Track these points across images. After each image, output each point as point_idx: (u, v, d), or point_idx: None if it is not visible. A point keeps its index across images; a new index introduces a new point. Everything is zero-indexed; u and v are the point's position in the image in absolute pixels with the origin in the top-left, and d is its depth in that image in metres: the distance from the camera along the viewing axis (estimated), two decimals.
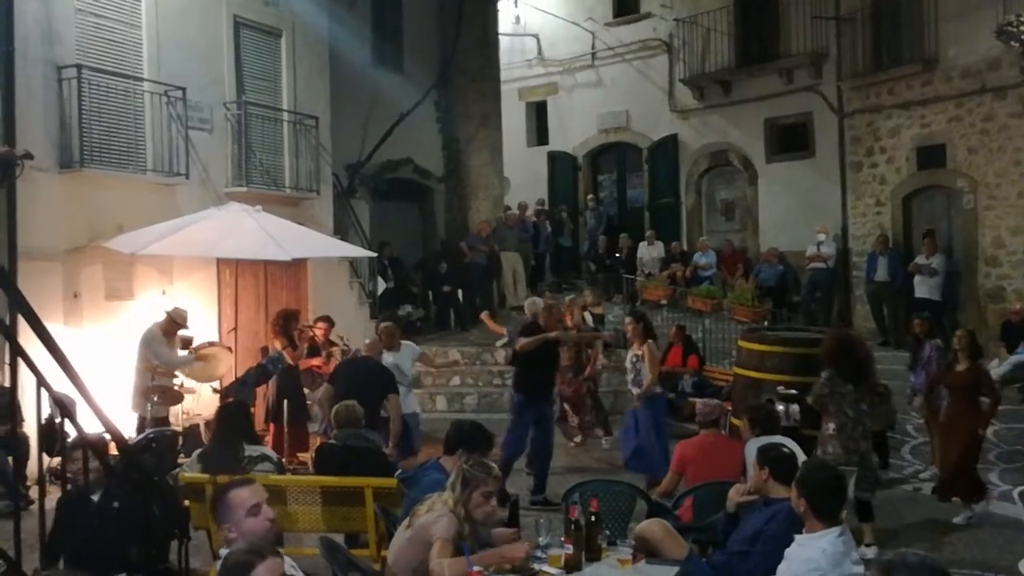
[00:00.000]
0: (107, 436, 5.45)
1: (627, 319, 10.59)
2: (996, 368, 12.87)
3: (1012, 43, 13.79)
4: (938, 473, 9.06)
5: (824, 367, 7.59)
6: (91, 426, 5.45)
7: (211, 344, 10.64)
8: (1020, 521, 7.97)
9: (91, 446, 5.30)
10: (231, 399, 9.09)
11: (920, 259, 14.87)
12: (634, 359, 9.73)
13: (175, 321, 9.91)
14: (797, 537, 4.50)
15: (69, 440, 5.74)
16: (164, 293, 11.03)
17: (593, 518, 4.82)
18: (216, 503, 3.85)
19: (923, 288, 14.68)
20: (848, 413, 7.33)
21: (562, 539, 4.79)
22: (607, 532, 5.02)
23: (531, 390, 9.21)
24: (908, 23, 15.76)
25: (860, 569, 4.36)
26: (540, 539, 4.85)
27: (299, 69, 13.57)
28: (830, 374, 7.47)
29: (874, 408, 7.50)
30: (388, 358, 9.32)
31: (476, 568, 4.35)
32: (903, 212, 16.08)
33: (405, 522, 4.86)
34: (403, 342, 9.81)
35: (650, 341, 9.70)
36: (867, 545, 7.15)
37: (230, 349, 10.99)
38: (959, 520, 8.28)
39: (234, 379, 10.19)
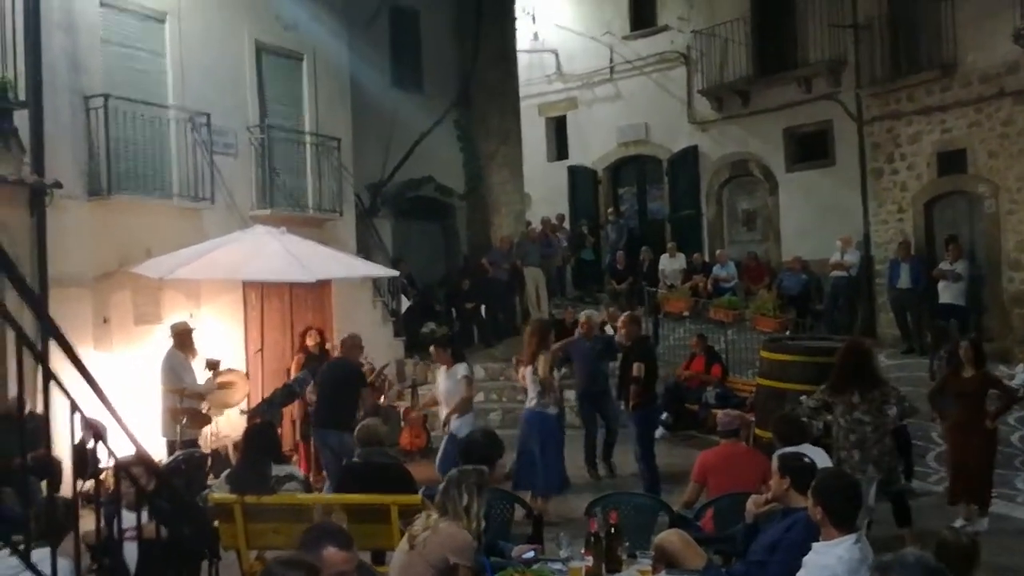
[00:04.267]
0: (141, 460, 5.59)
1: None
2: (1022, 373, 12.84)
3: None
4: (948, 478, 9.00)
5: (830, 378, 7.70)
6: (123, 450, 5.60)
7: (230, 371, 10.81)
8: None
9: (127, 469, 5.44)
10: (258, 419, 9.26)
11: (944, 265, 14.81)
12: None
13: (183, 336, 10.05)
14: (814, 545, 4.55)
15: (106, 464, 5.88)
16: (191, 316, 11.20)
17: (613, 530, 4.89)
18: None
19: (947, 294, 14.62)
20: (840, 423, 7.41)
21: (582, 552, 4.87)
22: (627, 544, 5.08)
23: None
24: (926, 29, 15.77)
25: None
26: (561, 552, 4.94)
27: (320, 91, 13.79)
28: (824, 386, 7.61)
29: (880, 414, 7.48)
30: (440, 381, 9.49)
31: None
32: (925, 218, 16.03)
33: (404, 541, 4.92)
34: (457, 364, 9.43)
35: (543, 353, 9.20)
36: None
37: (247, 376, 11.17)
38: (980, 528, 8.22)
39: (261, 399, 10.34)
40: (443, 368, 9.49)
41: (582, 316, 11.29)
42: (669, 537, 5.18)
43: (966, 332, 13.75)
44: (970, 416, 8.48)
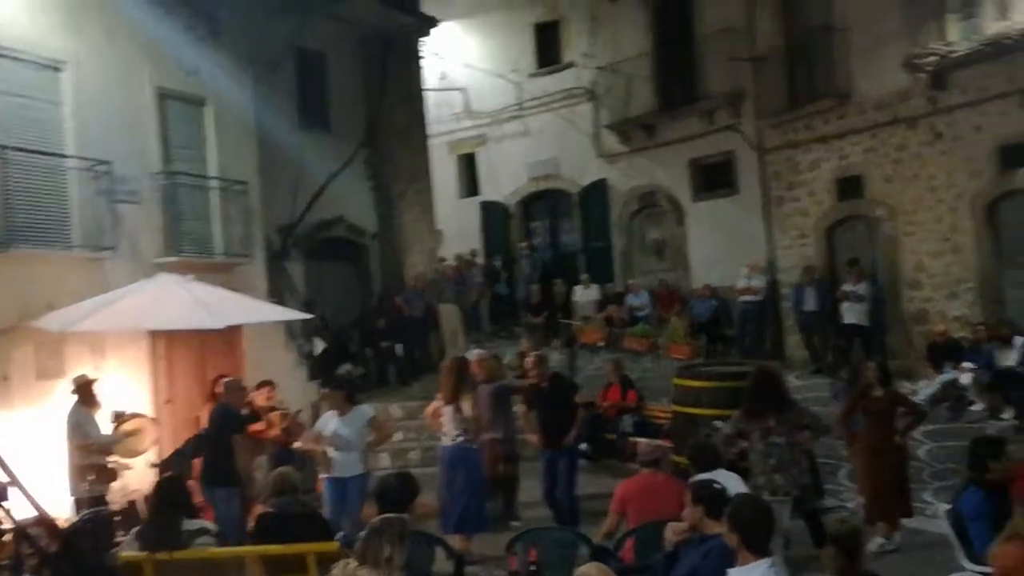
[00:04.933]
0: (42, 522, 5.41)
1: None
2: (926, 388, 13.30)
3: (919, 75, 14.42)
4: (862, 499, 9.14)
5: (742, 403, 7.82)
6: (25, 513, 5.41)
7: (134, 416, 10.54)
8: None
9: (26, 532, 5.26)
10: (168, 472, 9.02)
11: (846, 286, 15.27)
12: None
13: (85, 389, 9.75)
14: (730, 571, 4.63)
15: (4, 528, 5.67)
16: (96, 369, 10.88)
17: (533, 567, 4.88)
18: None
19: (851, 315, 15.08)
20: (758, 448, 7.51)
21: None
22: None
23: None
24: (821, 59, 16.36)
25: None
26: None
27: (225, 135, 13.62)
28: (738, 414, 7.73)
29: (794, 435, 7.61)
30: (333, 425, 8.93)
31: None
32: (827, 242, 16.55)
33: None
34: (357, 407, 9.23)
35: (468, 392, 9.22)
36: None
37: (155, 420, 10.90)
38: (892, 546, 8.40)
39: (173, 451, 10.09)
40: (334, 413, 9.06)
41: (530, 359, 10.62)
42: (588, 571, 5.18)
43: (870, 351, 14.23)
44: (881, 435, 8.67)
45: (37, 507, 4.76)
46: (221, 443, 8.87)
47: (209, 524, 6.93)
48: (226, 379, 9.65)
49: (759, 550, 4.58)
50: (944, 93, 14.54)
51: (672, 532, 5.43)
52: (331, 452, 8.87)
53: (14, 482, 4.42)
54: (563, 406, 9.76)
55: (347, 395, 9.20)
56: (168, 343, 11.49)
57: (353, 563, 4.76)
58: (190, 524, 6.48)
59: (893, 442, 8.65)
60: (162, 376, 11.57)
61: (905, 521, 8.81)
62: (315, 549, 6.29)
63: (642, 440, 8.14)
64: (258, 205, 14.10)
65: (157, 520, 6.45)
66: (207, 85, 13.36)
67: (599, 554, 6.18)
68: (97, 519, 7.88)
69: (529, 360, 10.45)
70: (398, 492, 5.70)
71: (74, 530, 6.07)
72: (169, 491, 6.66)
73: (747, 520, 4.65)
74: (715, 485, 5.45)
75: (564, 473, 9.76)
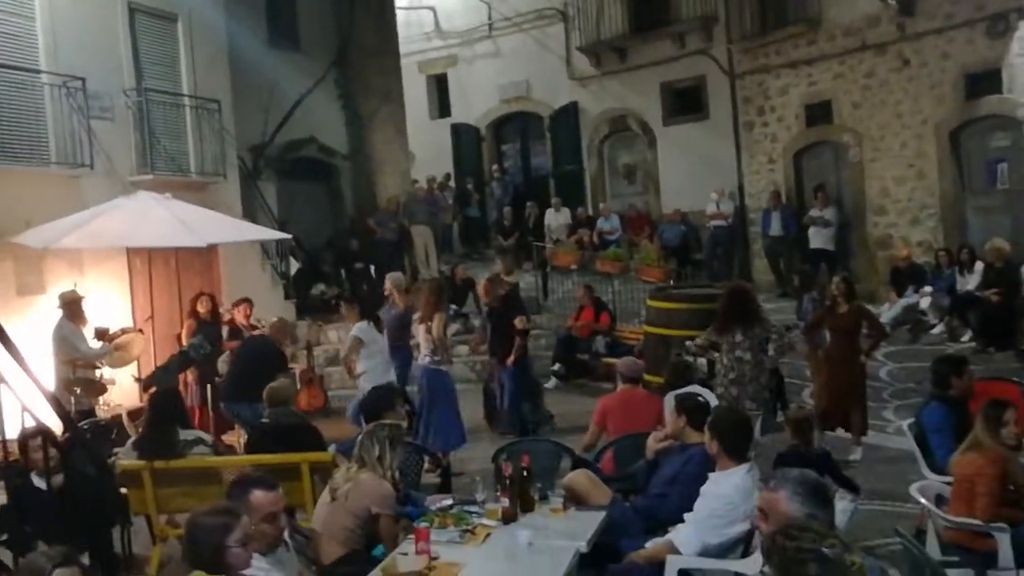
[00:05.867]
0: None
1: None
2: (888, 312, 13.70)
3: (889, 1, 14.54)
4: (817, 406, 9.29)
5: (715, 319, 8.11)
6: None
7: (123, 331, 10.66)
8: (912, 452, 8.57)
9: (47, 434, 5.44)
10: (154, 387, 9.19)
11: (813, 212, 15.60)
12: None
13: (72, 305, 9.83)
14: (711, 475, 4.92)
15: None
16: (75, 285, 10.93)
17: (525, 473, 5.16)
18: (234, 495, 3.91)
19: (817, 239, 15.44)
20: (723, 361, 7.86)
21: (497, 494, 5.13)
22: (539, 486, 5.36)
23: None
24: None
25: None
26: (477, 495, 5.19)
27: (197, 53, 13.47)
28: (711, 327, 8.05)
29: (759, 351, 7.92)
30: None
31: (423, 524, 4.70)
32: (795, 168, 16.82)
33: (326, 493, 5.15)
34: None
35: (438, 313, 9.38)
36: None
37: (142, 331, 11.03)
38: (854, 457, 8.81)
39: (155, 367, 10.23)
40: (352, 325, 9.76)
41: (483, 280, 11.23)
42: (577, 478, 5.51)
43: (835, 272, 14.60)
44: (844, 349, 8.97)
45: (55, 405, 4.95)
46: (261, 375, 8.45)
47: (204, 434, 7.14)
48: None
49: (738, 456, 4.88)
50: (912, 20, 14.69)
51: (654, 440, 5.72)
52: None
53: (31, 378, 4.54)
54: (508, 326, 10.16)
55: (361, 309, 9.82)
56: (146, 260, 11.51)
57: (354, 467, 5.04)
58: (186, 434, 6.70)
59: (856, 357, 8.96)
60: (141, 293, 11.62)
61: (865, 438, 9.21)
62: (309, 459, 6.52)
63: (625, 358, 8.37)
64: (231, 124, 14.02)
65: (154, 430, 6.65)
66: (178, 1, 13.17)
67: (580, 464, 6.48)
68: (96, 428, 8.06)
69: (482, 283, 10.79)
70: (372, 405, 6.07)
71: (73, 440, 6.24)
72: (165, 403, 6.87)
73: (728, 427, 4.95)
74: (698, 397, 5.73)
75: (507, 390, 10.21)
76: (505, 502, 4.99)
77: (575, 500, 5.31)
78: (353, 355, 9.52)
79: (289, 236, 13.62)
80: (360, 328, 9.58)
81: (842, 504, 4.95)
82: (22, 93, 10.83)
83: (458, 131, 21.89)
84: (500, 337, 10.25)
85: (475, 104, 21.65)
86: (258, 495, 3.89)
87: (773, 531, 3.04)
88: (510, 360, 10.14)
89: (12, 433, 5.70)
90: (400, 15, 19.97)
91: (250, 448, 7.05)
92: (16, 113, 10.77)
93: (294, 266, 15.04)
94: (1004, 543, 4.98)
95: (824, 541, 2.77)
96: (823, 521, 3.27)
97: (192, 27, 13.40)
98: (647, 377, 10.02)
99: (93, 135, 11.56)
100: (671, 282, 15.10)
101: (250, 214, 14.37)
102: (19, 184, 10.62)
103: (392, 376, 9.53)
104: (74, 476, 5.39)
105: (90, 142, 11.47)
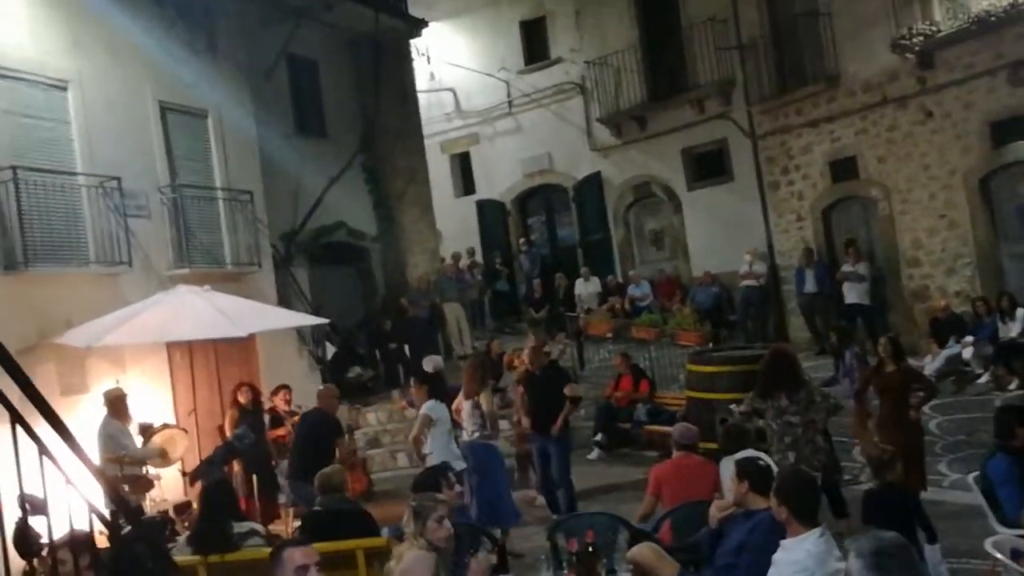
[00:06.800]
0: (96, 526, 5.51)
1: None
2: (931, 364, 13.54)
3: (907, 55, 14.65)
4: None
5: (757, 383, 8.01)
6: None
7: (165, 426, 10.67)
8: (974, 506, 8.38)
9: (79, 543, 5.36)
10: (200, 481, 9.18)
11: (846, 267, 15.53)
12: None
13: (117, 402, 9.89)
14: (783, 543, 4.79)
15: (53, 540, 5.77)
16: (118, 382, 11.01)
17: (591, 548, 5.07)
18: (272, 559, 4.10)
19: (852, 295, 15.34)
20: (772, 427, 7.73)
21: (564, 572, 5.03)
22: (604, 560, 5.27)
23: None
24: (807, 44, 16.61)
25: (842, 565, 4.67)
26: (544, 573, 5.10)
27: (228, 146, 13.72)
28: (753, 393, 7.96)
29: (808, 413, 7.79)
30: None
31: None
32: (824, 224, 16.78)
33: None
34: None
35: (485, 387, 9.49)
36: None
37: (185, 430, 11.03)
38: None
39: (200, 460, 10.22)
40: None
41: (529, 346, 10.88)
42: (642, 551, 5.40)
43: (873, 330, 14.48)
44: (894, 409, 8.87)
45: (113, 496, 4.93)
46: (322, 445, 9.23)
47: (258, 526, 7.09)
48: (324, 386, 10.34)
49: (809, 520, 4.76)
50: (932, 72, 14.78)
51: (717, 509, 5.61)
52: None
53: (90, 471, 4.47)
54: (553, 393, 9.89)
55: (430, 389, 9.77)
56: (187, 354, 11.61)
57: (408, 536, 4.99)
58: (240, 526, 6.65)
59: (908, 417, 8.84)
60: (182, 386, 11.69)
61: (923, 494, 9.01)
62: (364, 545, 6.45)
63: (678, 424, 8.26)
64: (263, 213, 14.22)
65: (207, 524, 6.61)
66: (207, 97, 13.46)
67: (639, 537, 6.36)
68: (150, 525, 8.00)
69: (528, 349, 10.58)
70: (422, 483, 6.03)
71: (131, 538, 6.18)
72: (217, 496, 6.82)
73: (795, 491, 4.83)
74: (759, 461, 5.64)
75: (556, 459, 9.87)
76: None
77: (643, 574, 5.20)
78: (421, 435, 9.36)
79: (326, 320, 13.69)
80: (429, 407, 9.43)
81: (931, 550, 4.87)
82: (60, 195, 11.02)
83: (483, 207, 22.10)
84: (545, 407, 9.96)
85: (498, 180, 21.90)
86: (289, 552, 4.06)
87: None
88: (557, 426, 9.79)
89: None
90: (421, 98, 20.32)
91: (303, 536, 6.96)
92: (55, 215, 10.96)
93: (330, 350, 15.09)
94: None
95: None
96: None
97: (222, 121, 13.67)
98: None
99: (130, 233, 11.74)
100: (710, 345, 15.02)
101: (285, 301, 14.47)
102: (59, 285, 10.76)
103: (455, 454, 9.37)
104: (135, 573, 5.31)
105: (127, 240, 11.64)
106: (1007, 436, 6.38)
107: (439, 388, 9.93)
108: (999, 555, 5.36)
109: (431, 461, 8.97)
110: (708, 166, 18.63)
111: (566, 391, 9.94)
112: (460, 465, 8.99)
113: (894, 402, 8.93)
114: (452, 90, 22.12)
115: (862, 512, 6.40)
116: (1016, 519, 5.68)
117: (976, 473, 6.75)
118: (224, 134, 13.71)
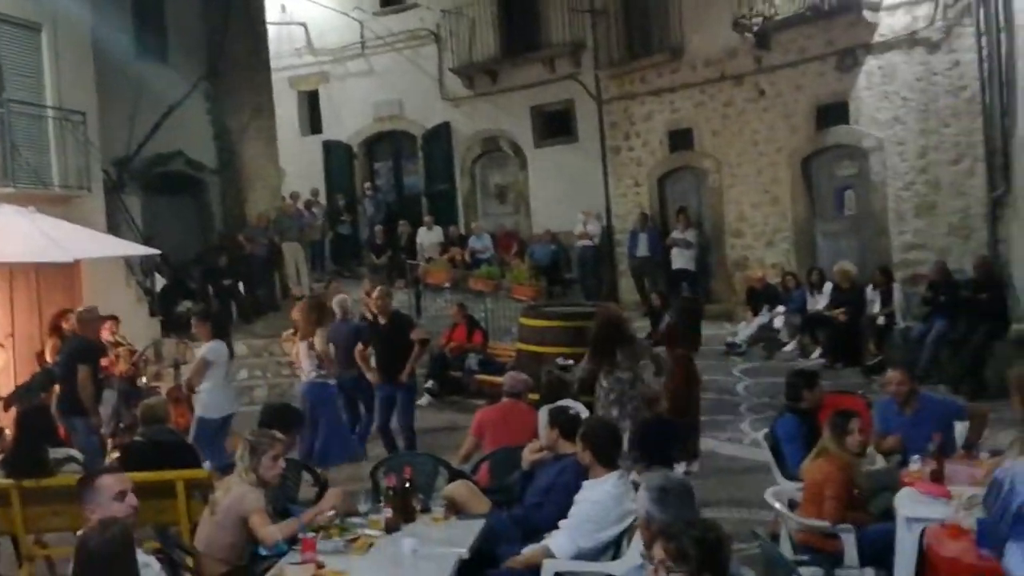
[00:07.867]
0: None
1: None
2: (744, 329, 14.43)
3: (746, 34, 15.31)
4: None
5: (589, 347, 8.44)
6: None
7: None
8: (767, 463, 9.07)
9: None
10: (14, 406, 8.95)
11: (676, 234, 16.24)
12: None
13: None
14: (584, 483, 5.21)
15: None
16: None
17: (408, 484, 5.32)
18: (83, 488, 4.09)
19: (680, 260, 16.10)
20: (603, 384, 8.23)
21: (381, 505, 5.27)
22: (421, 497, 5.53)
23: None
24: (656, 15, 17.09)
25: (634, 506, 5.10)
26: (360, 507, 5.32)
27: (62, 63, 13.13)
28: (586, 360, 8.41)
29: (636, 368, 8.31)
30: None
31: (310, 535, 4.80)
32: (659, 191, 17.45)
33: (207, 510, 5.20)
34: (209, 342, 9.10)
35: (320, 329, 9.51)
36: None
37: (2, 346, 10.68)
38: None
39: (16, 386, 9.92)
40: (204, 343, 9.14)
41: (375, 293, 10.62)
42: (457, 488, 5.71)
43: (696, 293, 15.27)
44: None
45: None
46: (73, 377, 8.79)
47: (76, 452, 7.01)
48: (81, 309, 9.45)
49: (609, 463, 5.18)
50: (768, 53, 15.43)
51: (529, 452, 5.97)
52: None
53: None
54: (400, 342, 9.88)
55: (212, 326, 9.23)
56: (6, 277, 11.15)
57: (241, 469, 5.12)
58: (56, 452, 6.58)
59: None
60: (2, 310, 11.24)
61: (723, 449, 9.72)
62: (185, 476, 6.50)
63: (510, 372, 8.54)
64: (96, 136, 13.69)
65: (23, 449, 6.50)
66: (43, 10, 12.82)
67: (458, 476, 6.66)
68: None
69: (373, 294, 10.45)
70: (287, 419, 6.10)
71: None
72: (34, 421, 6.71)
73: (599, 438, 5.25)
74: (570, 410, 6.01)
75: (401, 405, 9.93)
76: (388, 512, 5.14)
77: (455, 509, 5.50)
78: (196, 379, 8.88)
79: (157, 251, 13.36)
80: (210, 349, 8.90)
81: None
82: None
83: (329, 148, 21.80)
84: (392, 352, 9.88)
85: (347, 121, 21.61)
86: (102, 479, 4.09)
87: None
88: (405, 373, 9.78)
89: None
90: (271, 30, 19.85)
91: (124, 465, 6.93)
92: None
93: (160, 282, 14.75)
94: (850, 543, 5.42)
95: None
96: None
97: (57, 36, 13.05)
98: None
99: None
100: (543, 300, 15.46)
101: (114, 228, 14.06)
102: None
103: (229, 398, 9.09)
104: None
105: None
106: (796, 398, 6.96)
107: (222, 327, 9.67)
108: (777, 504, 5.90)
109: (202, 405, 8.77)
110: (555, 126, 18.97)
111: (414, 335, 9.95)
112: (230, 410, 8.89)
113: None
114: (304, 25, 21.59)
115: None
116: (797, 473, 6.24)
117: (766, 431, 7.33)
118: (59, 50, 13.13)
